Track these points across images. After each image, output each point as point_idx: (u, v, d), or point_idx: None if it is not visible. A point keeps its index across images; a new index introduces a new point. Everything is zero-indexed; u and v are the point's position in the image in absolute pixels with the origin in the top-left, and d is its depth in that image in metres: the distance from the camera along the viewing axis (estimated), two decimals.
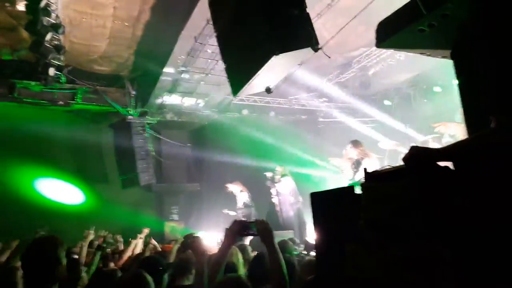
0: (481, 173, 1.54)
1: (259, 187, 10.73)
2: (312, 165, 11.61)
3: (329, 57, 4.72)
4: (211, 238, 8.56)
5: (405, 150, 1.71)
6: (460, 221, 1.57)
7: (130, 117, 10.77)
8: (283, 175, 10.14)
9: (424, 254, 1.60)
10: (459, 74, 2.93)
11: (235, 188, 10.45)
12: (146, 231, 6.59)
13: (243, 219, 9.51)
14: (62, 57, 7.92)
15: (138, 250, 6.05)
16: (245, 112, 12.02)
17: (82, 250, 4.69)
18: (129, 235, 7.21)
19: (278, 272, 2.37)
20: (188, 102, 11.41)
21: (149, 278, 2.64)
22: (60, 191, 10.42)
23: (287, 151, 11.58)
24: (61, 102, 10.20)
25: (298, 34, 4.01)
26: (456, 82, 3.24)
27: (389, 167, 1.89)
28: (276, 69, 4.32)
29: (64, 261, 2.49)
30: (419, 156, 1.69)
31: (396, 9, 3.11)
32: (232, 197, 10.70)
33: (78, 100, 10.38)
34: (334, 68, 10.89)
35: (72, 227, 5.14)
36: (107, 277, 3.34)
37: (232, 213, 10.18)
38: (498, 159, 1.50)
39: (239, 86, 4.69)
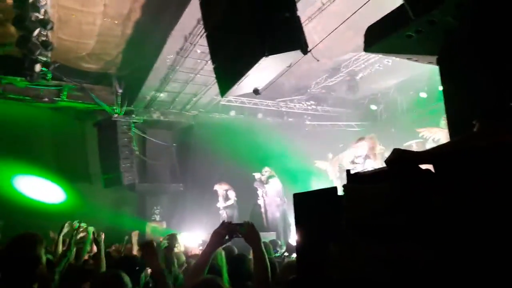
0: (461, 176, 1.57)
1: (244, 188, 10.73)
2: (298, 167, 11.65)
3: (318, 60, 4.76)
4: (193, 239, 8.52)
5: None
6: (441, 223, 1.59)
7: (115, 115, 10.67)
8: (270, 177, 10.17)
9: (406, 255, 1.62)
10: (444, 80, 2.99)
11: (221, 188, 10.44)
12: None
13: (226, 220, 9.49)
14: (49, 54, 7.82)
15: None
16: (232, 113, 12.02)
17: (58, 246, 4.54)
18: (110, 235, 7.14)
19: (263, 275, 2.37)
20: (175, 102, 11.36)
21: (127, 279, 2.62)
22: (41, 189, 10.24)
23: (274, 152, 11.61)
24: (46, 99, 10.07)
25: (288, 36, 4.03)
26: (441, 88, 3.31)
27: (372, 169, 1.92)
28: (265, 71, 4.33)
29: (44, 259, 2.44)
30: (401, 159, 1.71)
31: (384, 14, 3.16)
32: (217, 197, 10.70)
33: (63, 97, 10.26)
34: (323, 72, 10.97)
35: (52, 227, 5.03)
36: (83, 273, 3.29)
37: (220, 210, 10.22)
38: (478, 162, 1.53)
39: (227, 87, 4.69)
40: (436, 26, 2.69)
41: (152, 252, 2.65)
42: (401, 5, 2.90)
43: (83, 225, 4.68)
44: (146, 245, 2.73)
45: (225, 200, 10.33)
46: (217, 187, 10.51)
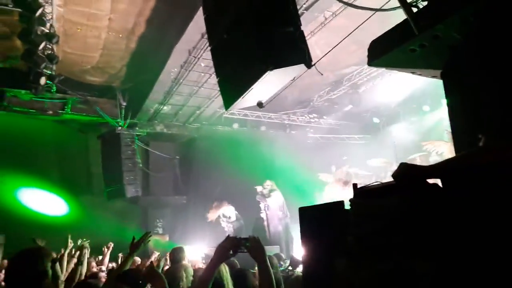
0: (468, 191, 1.57)
1: (247, 201, 10.70)
2: (301, 180, 11.63)
3: (322, 74, 4.78)
4: (196, 252, 8.48)
5: (393, 167, 1.73)
6: (447, 238, 1.59)
7: (119, 128, 10.72)
8: (272, 190, 10.15)
9: (411, 270, 1.61)
10: (449, 94, 3.00)
11: (215, 213, 10.43)
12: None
13: (231, 234, 9.50)
14: (54, 67, 7.91)
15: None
16: (235, 126, 12.05)
17: (62, 261, 4.52)
18: (113, 248, 7.09)
19: None
20: (179, 114, 11.41)
21: None
22: (43, 201, 10.25)
23: (277, 165, 11.59)
24: (50, 112, 10.14)
25: (292, 50, 4.06)
26: (445, 101, 3.32)
27: (378, 183, 1.91)
28: (269, 84, 4.35)
29: (50, 273, 2.42)
30: (408, 173, 1.71)
31: (387, 29, 3.18)
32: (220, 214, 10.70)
33: (68, 110, 10.33)
34: (325, 85, 11.02)
35: (54, 239, 5.03)
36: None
37: (223, 224, 10.19)
38: (485, 178, 1.53)
39: (231, 100, 4.71)
40: (440, 41, 2.71)
41: (157, 276, 2.61)
42: (405, 20, 2.92)
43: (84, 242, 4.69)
44: (150, 270, 2.69)
45: (226, 220, 10.32)
46: (211, 216, 10.48)
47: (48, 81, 8.18)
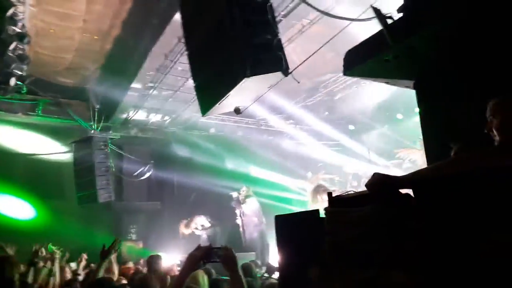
0: (439, 202, 1.60)
1: (223, 207, 10.65)
2: (277, 186, 11.65)
3: (298, 82, 4.81)
4: (171, 259, 8.35)
5: (367, 174, 1.75)
6: (419, 247, 1.61)
7: (92, 131, 10.48)
8: (247, 196, 10.13)
9: (385, 278, 1.63)
10: (421, 104, 3.07)
11: (188, 228, 10.39)
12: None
13: (206, 244, 9.41)
14: (25, 67, 7.67)
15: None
16: (212, 130, 11.97)
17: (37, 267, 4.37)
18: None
19: None
20: (154, 118, 11.26)
21: None
22: (10, 205, 9.89)
23: (253, 171, 11.58)
24: (19, 113, 9.82)
25: (270, 58, 4.09)
26: (417, 110, 3.40)
27: (353, 192, 1.93)
28: (246, 91, 4.36)
29: (18, 282, 2.35)
30: (381, 183, 1.73)
31: (364, 38, 3.24)
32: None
33: (38, 111, 10.03)
34: (302, 92, 11.10)
35: (21, 244, 4.85)
36: None
37: (198, 232, 10.10)
38: (456, 188, 1.57)
39: (208, 106, 4.70)
40: (413, 52, 2.77)
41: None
42: (380, 30, 2.98)
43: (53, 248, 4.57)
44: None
45: (200, 228, 10.28)
46: (182, 229, 10.45)
47: (18, 82, 7.94)
